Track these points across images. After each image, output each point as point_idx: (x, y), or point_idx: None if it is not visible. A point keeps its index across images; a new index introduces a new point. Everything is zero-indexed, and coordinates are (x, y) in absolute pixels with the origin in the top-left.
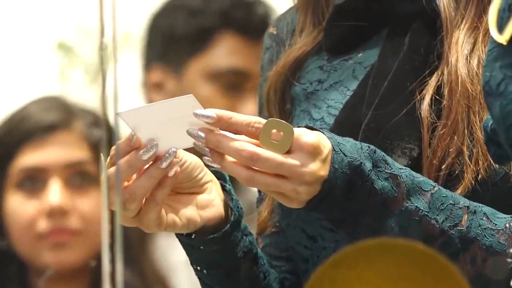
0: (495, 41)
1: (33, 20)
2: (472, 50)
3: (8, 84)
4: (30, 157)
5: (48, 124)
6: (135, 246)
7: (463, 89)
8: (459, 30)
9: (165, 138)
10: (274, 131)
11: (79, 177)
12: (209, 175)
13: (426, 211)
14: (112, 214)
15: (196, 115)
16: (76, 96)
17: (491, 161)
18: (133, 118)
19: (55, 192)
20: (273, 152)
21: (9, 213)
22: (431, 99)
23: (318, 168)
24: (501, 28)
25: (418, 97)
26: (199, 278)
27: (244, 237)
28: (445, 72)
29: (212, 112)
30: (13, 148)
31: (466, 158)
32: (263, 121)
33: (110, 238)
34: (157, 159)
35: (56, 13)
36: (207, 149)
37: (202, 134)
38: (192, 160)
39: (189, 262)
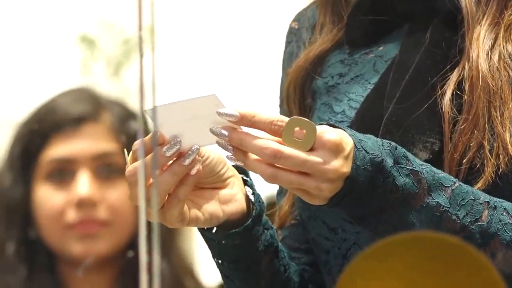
0: None
1: (56, 13)
2: (493, 46)
3: (32, 77)
4: (59, 149)
5: (77, 116)
6: (165, 237)
7: (484, 84)
8: (480, 26)
9: (188, 136)
10: (297, 129)
11: (107, 169)
12: (231, 170)
13: (447, 207)
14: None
15: (219, 113)
16: (101, 87)
17: None
18: (157, 115)
19: (83, 183)
20: (296, 150)
21: (38, 204)
22: (452, 94)
23: (340, 165)
24: None
25: (439, 92)
26: (220, 271)
27: (265, 231)
28: (466, 67)
29: (235, 111)
30: (42, 139)
31: (487, 152)
32: (286, 119)
33: (147, 229)
34: (180, 156)
35: (78, 7)
36: (230, 147)
37: (225, 132)
38: (214, 155)
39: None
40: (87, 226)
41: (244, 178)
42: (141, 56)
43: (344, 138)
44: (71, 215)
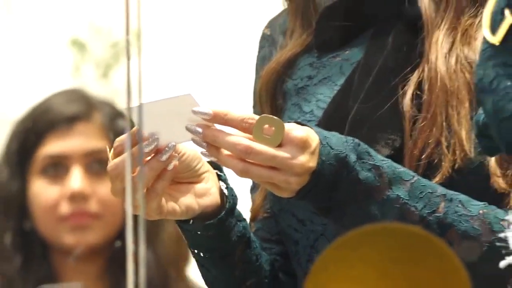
0: (488, 42)
1: (49, 18)
2: (450, 49)
3: (27, 77)
4: (53, 146)
5: (70, 115)
6: (150, 228)
7: (442, 85)
8: (439, 31)
9: (165, 133)
10: (266, 126)
11: (98, 165)
12: (206, 166)
13: (407, 199)
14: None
15: (194, 112)
16: (91, 88)
17: (467, 151)
18: (138, 114)
19: (76, 178)
20: (266, 146)
21: (33, 197)
22: (413, 94)
23: (307, 160)
24: (494, 29)
25: (401, 92)
26: (197, 261)
27: (238, 223)
28: (426, 69)
29: (209, 109)
30: (37, 137)
31: (444, 148)
32: (256, 117)
33: (134, 221)
34: (157, 152)
35: (70, 11)
36: (204, 144)
37: (200, 130)
38: (190, 152)
39: None
40: (79, 218)
41: (218, 173)
42: (128, 58)
43: (310, 135)
44: (64, 208)
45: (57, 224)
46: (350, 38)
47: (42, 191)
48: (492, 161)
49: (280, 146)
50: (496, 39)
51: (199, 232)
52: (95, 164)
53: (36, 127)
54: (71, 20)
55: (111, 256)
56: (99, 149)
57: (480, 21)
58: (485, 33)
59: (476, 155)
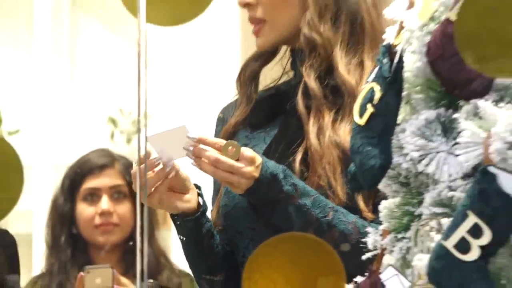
0: (357, 123)
1: (95, 102)
2: (320, 130)
3: (77, 137)
4: (91, 183)
5: (101, 164)
6: (150, 231)
7: (317, 154)
8: (310, 121)
9: (169, 152)
10: (230, 147)
11: (118, 194)
12: (192, 184)
13: (310, 206)
14: (142, 213)
15: (187, 137)
16: (117, 148)
17: (341, 198)
18: (153, 142)
19: (104, 202)
20: (228, 159)
21: (79, 214)
22: (301, 158)
23: (253, 170)
24: (361, 115)
25: (293, 157)
26: (181, 244)
27: (207, 222)
28: (307, 143)
29: (196, 135)
30: (81, 177)
31: (329, 193)
32: (224, 142)
33: (141, 228)
34: (163, 165)
35: (109, 99)
36: (193, 157)
37: (191, 148)
38: (185, 174)
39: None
40: (106, 226)
41: (198, 191)
42: (139, 131)
43: (256, 156)
44: (97, 220)
45: (93, 230)
46: (270, 120)
47: (84, 210)
48: (361, 203)
49: (237, 160)
50: (362, 122)
51: (183, 224)
52: (116, 193)
53: (80, 171)
54: (110, 105)
55: (126, 249)
56: (119, 184)
57: (340, 118)
58: (355, 118)
59: (348, 198)
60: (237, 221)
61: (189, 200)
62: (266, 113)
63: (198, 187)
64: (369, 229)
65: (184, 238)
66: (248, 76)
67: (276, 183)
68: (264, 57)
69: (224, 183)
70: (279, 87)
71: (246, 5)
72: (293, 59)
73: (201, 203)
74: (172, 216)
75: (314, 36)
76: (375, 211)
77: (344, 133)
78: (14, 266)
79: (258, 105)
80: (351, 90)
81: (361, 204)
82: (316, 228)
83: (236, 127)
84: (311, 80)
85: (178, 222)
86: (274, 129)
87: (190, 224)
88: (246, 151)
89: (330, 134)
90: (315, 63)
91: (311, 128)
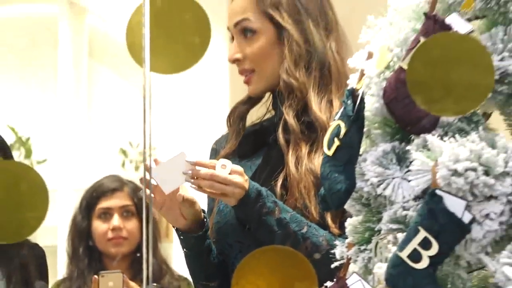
0: (326, 154)
1: (109, 136)
2: (298, 160)
3: (93, 165)
4: (104, 203)
5: (112, 188)
6: (153, 244)
7: (295, 180)
8: (290, 152)
9: (172, 178)
10: (222, 164)
11: (126, 213)
12: (199, 208)
13: (288, 220)
14: (147, 229)
15: (187, 161)
16: (126, 175)
17: (315, 217)
18: (157, 171)
19: (116, 219)
20: (223, 173)
21: (94, 229)
22: (282, 183)
23: (244, 182)
24: (329, 147)
25: (275, 182)
26: (185, 255)
27: (207, 239)
28: (287, 171)
29: (194, 160)
30: (96, 199)
31: (304, 211)
32: (217, 162)
33: (146, 241)
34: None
35: (120, 133)
36: (191, 180)
37: (190, 172)
38: (196, 201)
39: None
40: (117, 240)
41: (203, 213)
42: (144, 160)
43: (244, 172)
44: (109, 234)
45: (106, 243)
46: (255, 151)
47: (99, 226)
48: (330, 221)
49: (230, 174)
50: (330, 153)
51: (187, 239)
52: (125, 212)
53: (95, 194)
54: (121, 138)
55: (134, 259)
56: (127, 205)
57: (315, 150)
58: (325, 149)
59: (320, 216)
60: (227, 236)
61: (194, 219)
62: (251, 146)
63: (203, 210)
64: (337, 242)
65: (188, 251)
66: (237, 116)
67: (261, 198)
68: (251, 101)
69: (219, 196)
70: (263, 123)
71: (235, 61)
72: (274, 100)
73: (205, 221)
74: (178, 231)
75: (291, 81)
76: (342, 227)
77: (318, 162)
78: (43, 273)
79: (245, 139)
80: (323, 125)
81: (330, 221)
82: (293, 239)
83: (227, 157)
84: (290, 117)
85: (183, 237)
86: (259, 159)
87: (193, 239)
88: (236, 167)
89: (307, 163)
90: (293, 103)
91: (290, 158)
